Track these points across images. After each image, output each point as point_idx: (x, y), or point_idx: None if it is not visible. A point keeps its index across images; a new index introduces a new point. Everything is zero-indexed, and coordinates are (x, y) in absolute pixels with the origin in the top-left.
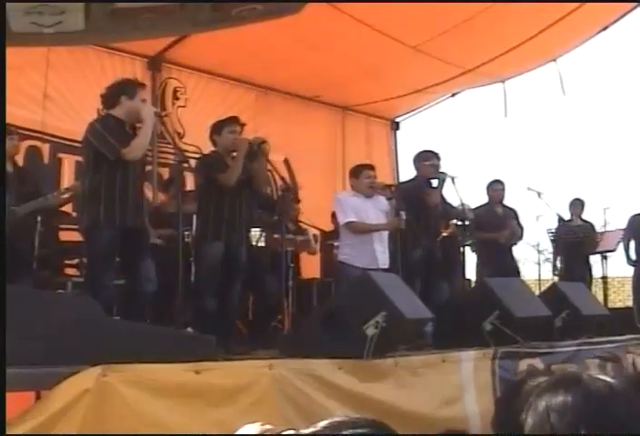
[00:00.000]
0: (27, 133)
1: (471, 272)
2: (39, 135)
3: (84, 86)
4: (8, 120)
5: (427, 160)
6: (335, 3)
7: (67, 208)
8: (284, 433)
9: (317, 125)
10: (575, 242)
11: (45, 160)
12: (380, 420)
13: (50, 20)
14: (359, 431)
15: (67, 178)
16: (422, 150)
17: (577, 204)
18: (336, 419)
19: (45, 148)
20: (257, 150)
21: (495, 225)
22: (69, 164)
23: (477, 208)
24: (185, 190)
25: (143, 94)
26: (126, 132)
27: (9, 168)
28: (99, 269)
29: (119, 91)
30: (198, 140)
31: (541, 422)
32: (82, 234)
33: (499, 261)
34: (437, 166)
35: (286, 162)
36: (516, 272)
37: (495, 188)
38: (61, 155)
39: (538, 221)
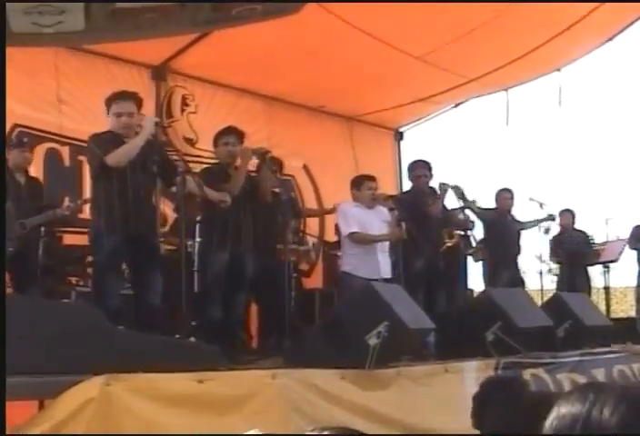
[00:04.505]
0: (45, 135)
1: (473, 283)
2: (57, 138)
3: (95, 91)
4: (26, 123)
5: (416, 170)
6: (336, 9)
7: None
8: None
9: (326, 134)
10: (577, 252)
11: (66, 163)
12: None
13: (50, 20)
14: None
15: (88, 181)
16: (414, 160)
17: (567, 215)
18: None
19: (65, 151)
20: (261, 160)
21: (504, 232)
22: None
23: (485, 211)
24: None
25: (118, 107)
26: (119, 143)
27: (21, 179)
28: (103, 278)
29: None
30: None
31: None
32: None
33: (506, 271)
34: (428, 176)
35: (306, 167)
36: (521, 283)
37: (505, 197)
38: (82, 158)
39: (540, 231)
